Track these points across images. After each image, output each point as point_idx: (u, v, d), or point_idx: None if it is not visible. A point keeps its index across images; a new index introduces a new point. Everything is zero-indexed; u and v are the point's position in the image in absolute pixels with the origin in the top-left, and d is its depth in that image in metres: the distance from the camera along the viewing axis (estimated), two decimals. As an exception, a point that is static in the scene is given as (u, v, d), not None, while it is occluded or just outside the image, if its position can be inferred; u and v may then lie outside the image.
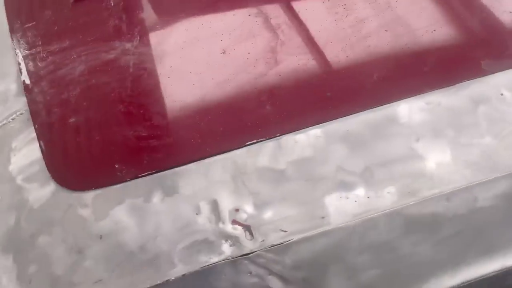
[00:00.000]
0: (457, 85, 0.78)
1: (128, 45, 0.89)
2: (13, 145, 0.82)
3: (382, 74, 0.80)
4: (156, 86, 0.83)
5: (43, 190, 0.75)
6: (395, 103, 0.77)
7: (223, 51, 0.86)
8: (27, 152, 0.80)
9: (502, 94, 0.77)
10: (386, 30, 0.85)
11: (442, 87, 0.78)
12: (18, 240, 0.72)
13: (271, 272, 0.68)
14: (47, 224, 0.72)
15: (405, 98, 0.77)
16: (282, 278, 0.69)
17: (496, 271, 0.72)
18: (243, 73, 0.83)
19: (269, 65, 0.83)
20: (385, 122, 0.75)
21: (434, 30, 0.85)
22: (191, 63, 0.86)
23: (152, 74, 0.85)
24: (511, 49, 0.82)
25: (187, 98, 0.81)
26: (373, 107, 0.76)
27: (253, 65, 0.83)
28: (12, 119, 0.86)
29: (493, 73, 0.79)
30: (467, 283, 0.72)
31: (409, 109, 0.76)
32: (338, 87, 0.80)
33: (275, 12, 0.90)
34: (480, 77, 0.79)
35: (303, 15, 0.89)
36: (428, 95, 0.77)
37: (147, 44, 0.89)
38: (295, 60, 0.83)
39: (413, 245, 0.70)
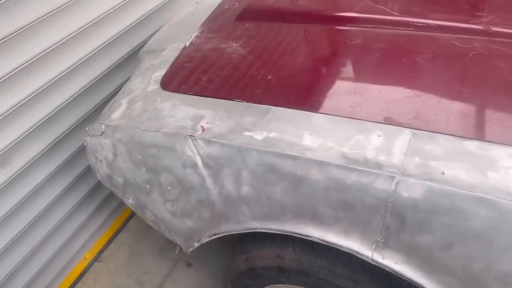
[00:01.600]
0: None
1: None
2: (162, 67, 1.64)
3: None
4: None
5: (154, 86, 1.54)
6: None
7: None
8: (161, 71, 1.61)
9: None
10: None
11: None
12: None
13: (199, 153, 1.26)
14: (141, 94, 1.50)
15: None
16: (203, 161, 1.26)
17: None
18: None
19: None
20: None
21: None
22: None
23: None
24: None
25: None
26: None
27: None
28: (167, 58, 1.69)
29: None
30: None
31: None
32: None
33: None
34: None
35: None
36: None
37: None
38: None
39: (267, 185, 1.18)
